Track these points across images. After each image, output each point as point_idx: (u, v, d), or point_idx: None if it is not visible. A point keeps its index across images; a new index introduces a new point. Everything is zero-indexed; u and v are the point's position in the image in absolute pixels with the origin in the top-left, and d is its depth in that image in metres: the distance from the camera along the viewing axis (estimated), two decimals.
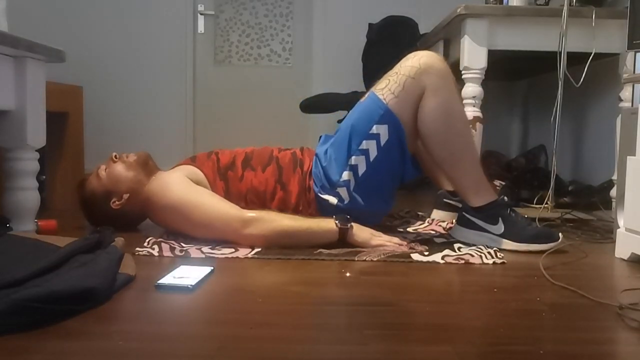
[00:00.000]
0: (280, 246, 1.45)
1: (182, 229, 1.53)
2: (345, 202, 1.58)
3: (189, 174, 1.60)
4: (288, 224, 1.46)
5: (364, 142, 1.55)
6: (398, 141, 1.55)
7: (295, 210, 1.61)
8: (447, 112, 1.52)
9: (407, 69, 1.53)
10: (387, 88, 1.55)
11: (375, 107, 1.55)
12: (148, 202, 1.59)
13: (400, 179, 1.65)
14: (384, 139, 1.54)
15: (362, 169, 1.57)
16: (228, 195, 1.59)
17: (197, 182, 1.58)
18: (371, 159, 1.56)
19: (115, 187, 1.62)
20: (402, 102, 1.53)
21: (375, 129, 1.54)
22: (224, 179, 1.62)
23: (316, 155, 1.66)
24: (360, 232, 1.49)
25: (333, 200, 1.59)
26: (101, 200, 1.63)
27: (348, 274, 1.25)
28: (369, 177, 1.57)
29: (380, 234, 1.53)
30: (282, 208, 1.60)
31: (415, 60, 1.54)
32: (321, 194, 1.60)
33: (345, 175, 1.57)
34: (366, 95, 1.62)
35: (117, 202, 1.62)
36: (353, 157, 1.57)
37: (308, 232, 1.47)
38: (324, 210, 1.59)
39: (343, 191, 1.58)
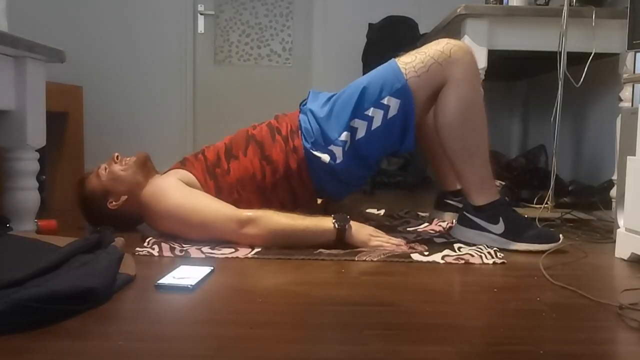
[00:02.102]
0: (278, 246, 1.45)
1: (179, 233, 1.52)
2: (338, 161, 1.56)
3: (181, 177, 1.58)
4: (285, 223, 1.46)
5: (372, 109, 1.54)
6: (404, 119, 1.53)
7: (284, 175, 1.60)
8: (468, 106, 1.50)
9: (436, 53, 1.52)
10: (411, 64, 1.53)
11: (394, 78, 1.53)
12: (143, 208, 1.58)
13: (391, 153, 1.65)
14: (392, 112, 1.53)
15: (360, 134, 1.55)
16: (220, 192, 1.59)
17: (190, 185, 1.57)
18: (372, 128, 1.54)
19: (114, 188, 1.62)
20: (422, 83, 1.51)
21: (387, 100, 1.53)
22: (214, 177, 1.61)
23: (310, 111, 1.63)
24: (359, 233, 1.49)
25: (326, 157, 1.56)
26: (99, 200, 1.63)
27: (344, 270, 1.24)
28: (363, 143, 1.56)
29: (380, 233, 1.53)
30: (273, 181, 1.60)
31: (447, 48, 1.52)
32: (313, 150, 1.58)
33: (344, 135, 1.55)
34: (387, 63, 1.59)
35: (114, 203, 1.62)
36: (356, 120, 1.55)
37: (306, 232, 1.46)
38: (315, 168, 1.58)
39: (338, 150, 1.56)
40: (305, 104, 1.70)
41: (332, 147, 1.57)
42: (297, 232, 1.46)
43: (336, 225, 1.46)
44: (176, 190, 1.53)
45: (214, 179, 1.61)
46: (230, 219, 1.46)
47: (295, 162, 1.60)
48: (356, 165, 1.59)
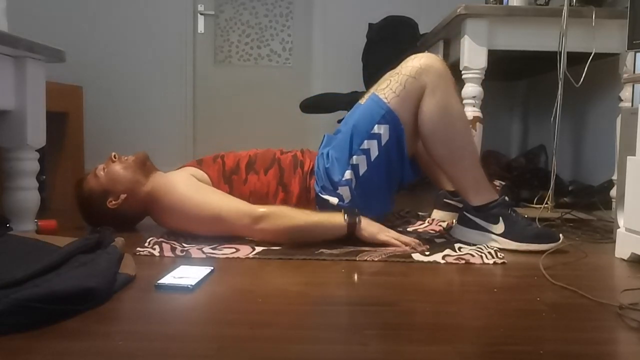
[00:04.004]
0: (290, 241, 1.46)
1: (189, 228, 1.53)
2: (346, 201, 1.59)
3: (194, 174, 1.61)
4: (299, 219, 1.48)
5: (366, 141, 1.57)
6: (397, 141, 1.56)
7: (295, 207, 1.60)
8: (446, 111, 1.53)
9: (407, 69, 1.56)
10: (388, 88, 1.57)
11: (377, 107, 1.57)
12: (153, 202, 1.59)
13: (399, 181, 1.66)
14: (384, 138, 1.56)
15: (363, 169, 1.58)
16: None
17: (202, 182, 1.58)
18: (372, 159, 1.57)
19: (113, 187, 1.62)
20: (403, 101, 1.54)
21: (376, 128, 1.56)
22: (229, 182, 1.63)
23: (321, 156, 1.66)
24: (369, 226, 1.50)
25: (334, 200, 1.59)
26: (98, 200, 1.63)
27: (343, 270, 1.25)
28: (369, 177, 1.58)
29: (389, 229, 1.54)
30: None
31: (416, 61, 1.56)
32: (322, 194, 1.60)
33: (347, 174, 1.58)
34: (367, 96, 1.63)
35: (113, 202, 1.62)
36: (354, 157, 1.58)
37: (318, 227, 1.49)
38: (324, 209, 1.60)
39: (345, 190, 1.59)
40: (321, 146, 1.72)
41: (339, 190, 1.59)
42: (310, 228, 1.48)
43: (346, 218, 1.48)
44: (188, 184, 1.55)
45: (229, 184, 1.62)
46: (244, 214, 1.48)
47: (307, 201, 1.62)
48: (366, 202, 1.60)
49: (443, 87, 1.53)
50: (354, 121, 1.61)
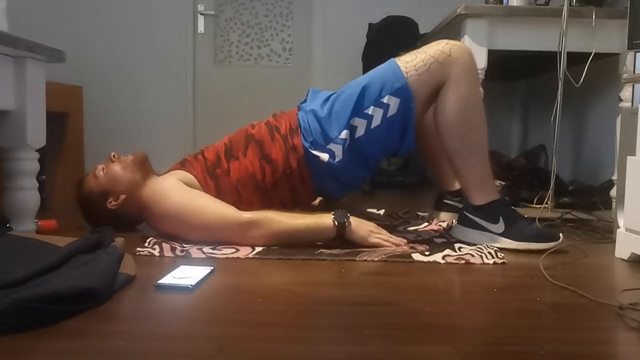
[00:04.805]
0: (280, 245, 1.45)
1: (180, 234, 1.52)
2: (337, 160, 1.57)
3: (181, 178, 1.58)
4: (286, 223, 1.46)
5: (372, 107, 1.55)
6: (404, 118, 1.55)
7: (284, 174, 1.60)
8: (466, 105, 1.52)
9: (436, 53, 1.53)
10: (411, 63, 1.55)
11: (394, 77, 1.55)
12: (145, 209, 1.58)
13: (391, 152, 1.66)
14: (391, 111, 1.54)
15: (359, 133, 1.56)
16: (220, 192, 1.59)
17: (190, 186, 1.57)
18: (372, 126, 1.56)
19: (113, 187, 1.62)
20: (422, 81, 1.53)
21: (387, 99, 1.54)
22: (214, 177, 1.62)
23: (311, 110, 1.63)
24: (359, 229, 1.49)
25: (324, 156, 1.57)
26: (98, 200, 1.62)
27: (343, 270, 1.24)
28: (364, 142, 1.57)
29: (381, 230, 1.54)
30: (273, 180, 1.60)
31: (447, 47, 1.54)
32: (311, 149, 1.59)
33: (344, 134, 1.56)
34: (387, 62, 1.60)
35: (113, 203, 1.61)
36: (356, 118, 1.56)
37: (306, 231, 1.47)
38: (314, 167, 1.59)
39: (338, 149, 1.57)
40: (305, 102, 1.71)
41: (331, 146, 1.57)
42: (298, 232, 1.46)
43: (335, 222, 1.47)
44: (177, 192, 1.53)
45: (214, 179, 1.61)
46: (231, 222, 1.47)
47: (295, 161, 1.60)
48: (355, 164, 1.60)
49: (468, 82, 1.52)
50: (366, 81, 1.57)
